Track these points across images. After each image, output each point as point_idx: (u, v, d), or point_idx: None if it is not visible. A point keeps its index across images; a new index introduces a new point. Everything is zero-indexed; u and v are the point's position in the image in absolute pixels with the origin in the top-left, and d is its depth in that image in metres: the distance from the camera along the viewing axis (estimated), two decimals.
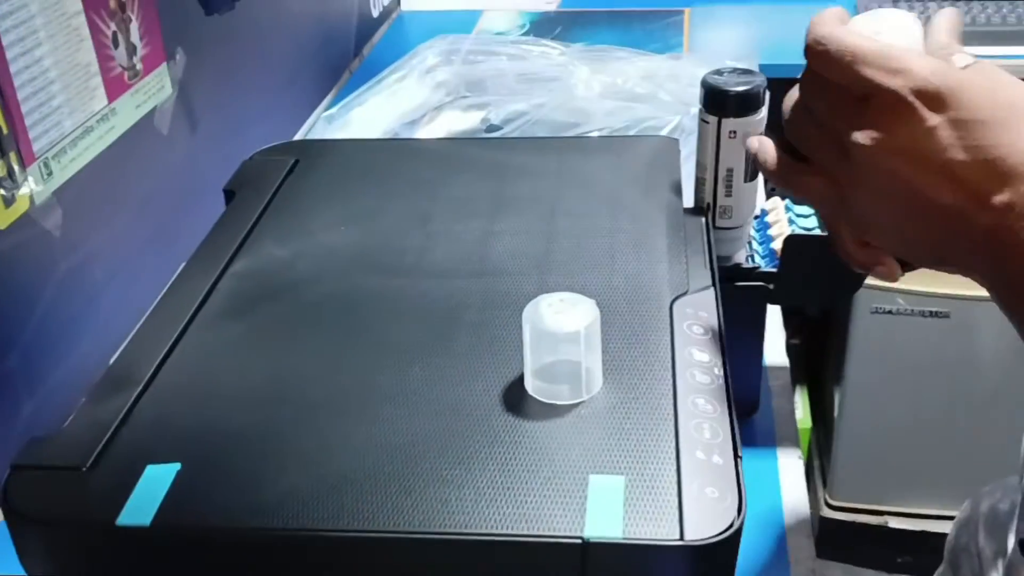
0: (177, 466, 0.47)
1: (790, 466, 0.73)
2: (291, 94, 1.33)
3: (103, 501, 0.45)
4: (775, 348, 0.86)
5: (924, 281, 1.56)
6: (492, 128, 1.14)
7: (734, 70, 0.65)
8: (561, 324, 0.48)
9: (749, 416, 0.77)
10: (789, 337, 1.89)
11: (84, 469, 0.47)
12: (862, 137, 0.45)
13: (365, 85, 1.20)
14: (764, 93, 0.64)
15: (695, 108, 1.15)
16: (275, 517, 0.44)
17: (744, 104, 0.64)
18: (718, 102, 0.64)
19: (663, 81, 1.19)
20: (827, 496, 1.84)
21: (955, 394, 1.64)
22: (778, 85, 0.60)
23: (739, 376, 0.71)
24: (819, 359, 1.95)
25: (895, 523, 1.80)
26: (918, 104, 0.43)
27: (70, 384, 0.83)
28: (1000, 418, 1.60)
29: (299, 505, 0.44)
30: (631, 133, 1.07)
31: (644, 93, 1.19)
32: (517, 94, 1.23)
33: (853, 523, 1.82)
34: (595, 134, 1.08)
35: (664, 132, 1.06)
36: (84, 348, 0.84)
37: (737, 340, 0.68)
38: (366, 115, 1.18)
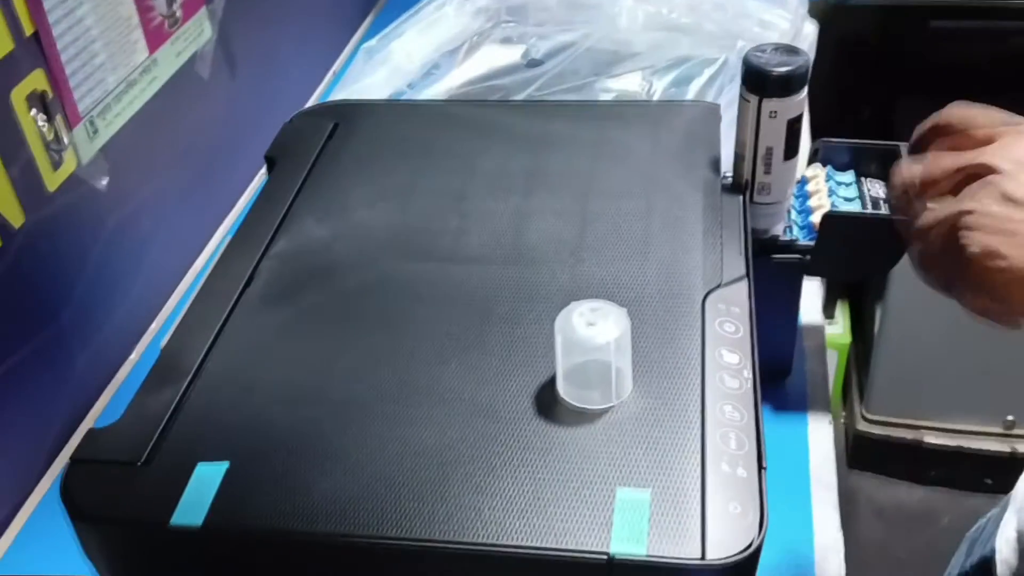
0: (226, 465, 0.49)
1: (820, 433, 0.75)
2: (328, 24, 1.32)
3: (157, 500, 0.48)
4: (812, 307, 0.86)
5: None
6: (533, 63, 1.12)
7: (777, 47, 0.64)
8: (592, 335, 0.49)
9: (782, 380, 0.78)
10: None
11: (139, 464, 0.50)
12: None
13: (404, 15, 1.18)
14: (807, 74, 0.63)
15: (741, 42, 1.12)
16: (318, 521, 0.47)
17: (786, 85, 0.62)
18: (759, 82, 0.63)
19: (708, 11, 1.15)
20: (863, 411, 1.85)
21: None
22: None
23: (773, 343, 0.72)
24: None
25: (931, 438, 1.82)
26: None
27: (121, 335, 0.87)
28: None
29: (340, 510, 0.47)
30: (675, 72, 1.05)
31: (689, 23, 1.16)
32: (558, 22, 1.20)
33: (888, 437, 1.84)
34: (638, 74, 1.06)
35: (709, 72, 1.03)
36: (132, 301, 0.87)
37: (772, 309, 0.69)
38: (405, 47, 1.16)
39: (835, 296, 1.93)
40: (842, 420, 1.95)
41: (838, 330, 1.90)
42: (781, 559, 0.66)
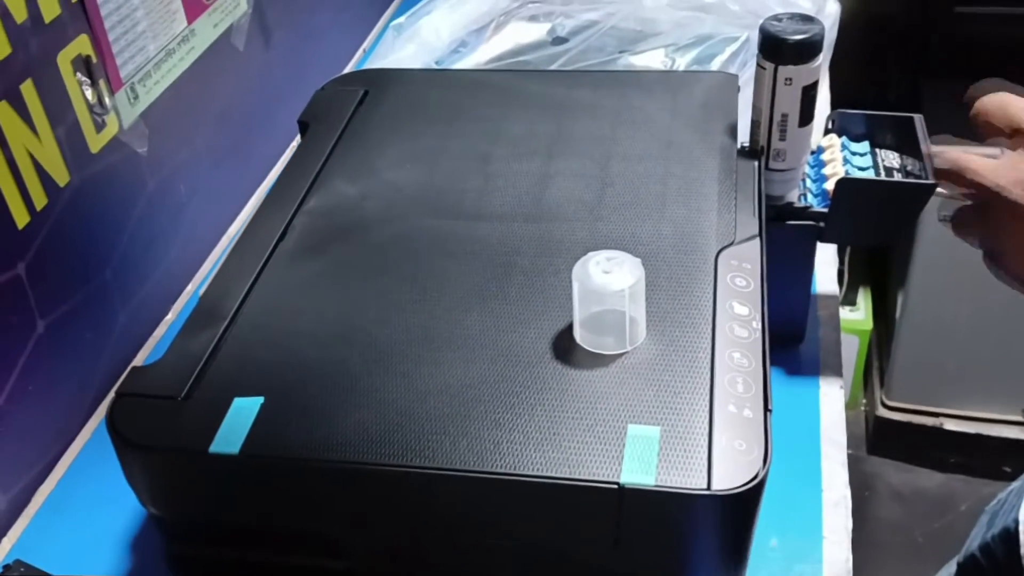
0: (261, 400, 0.53)
1: (831, 396, 0.77)
2: (360, 1, 1.35)
3: (197, 430, 0.51)
4: (827, 276, 0.88)
5: None
6: (558, 40, 1.15)
7: (793, 16, 0.66)
8: (608, 283, 0.52)
9: (796, 345, 0.80)
10: None
11: (179, 399, 0.53)
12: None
13: None
14: (822, 41, 0.65)
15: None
16: (347, 451, 0.50)
17: (801, 52, 0.65)
18: (775, 49, 0.65)
19: None
20: (883, 396, 1.87)
21: (1017, 301, 1.64)
22: None
23: (787, 309, 0.74)
24: (884, 262, 1.95)
25: (951, 425, 1.83)
26: None
27: (159, 294, 0.90)
28: None
29: (367, 441, 0.50)
30: (698, 49, 1.07)
31: (712, 3, 1.18)
32: (585, 2, 1.22)
33: (909, 423, 1.85)
34: (661, 50, 1.08)
35: (731, 50, 1.05)
36: (170, 260, 0.91)
37: (787, 276, 0.71)
38: (433, 24, 1.19)
39: (857, 282, 1.95)
40: (862, 406, 1.97)
41: (860, 316, 1.91)
42: (789, 514, 0.68)
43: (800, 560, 0.65)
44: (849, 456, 0.73)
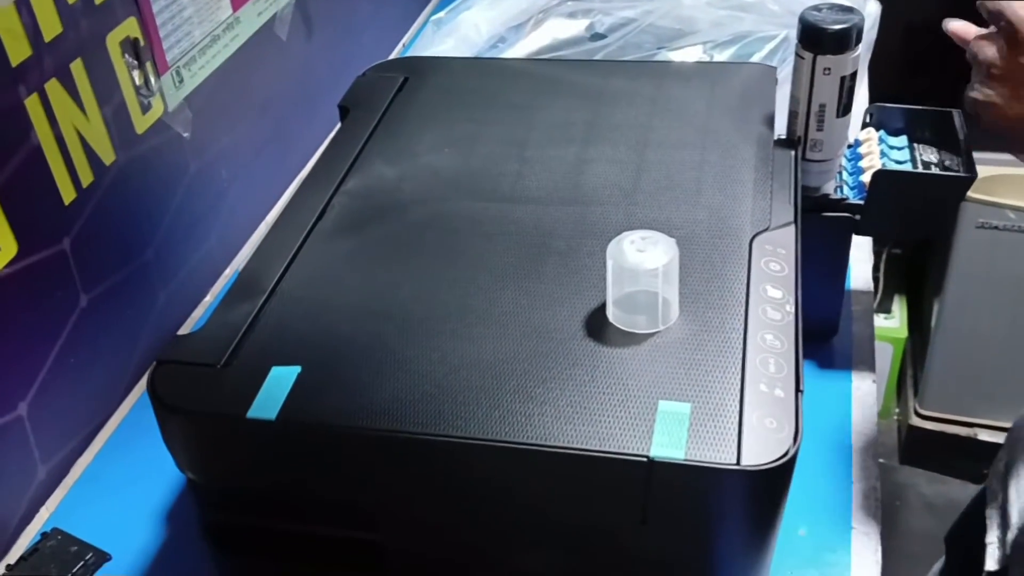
0: (298, 369, 0.54)
1: (863, 389, 0.76)
2: None
3: (235, 396, 0.52)
4: (861, 273, 0.88)
5: None
6: (597, 37, 1.15)
7: (832, 6, 0.66)
8: (642, 261, 0.52)
9: (829, 339, 0.80)
10: (892, 247, 1.87)
11: (219, 366, 0.54)
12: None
13: None
14: (861, 31, 0.65)
15: None
16: (382, 419, 0.50)
17: (840, 42, 0.65)
18: (814, 39, 0.65)
19: None
20: (917, 406, 1.85)
21: None
22: None
23: (821, 301, 0.74)
24: (921, 270, 1.93)
25: (984, 435, 1.81)
26: None
27: (198, 276, 0.92)
28: None
29: (401, 410, 0.51)
30: (736, 47, 1.07)
31: (752, 2, 1.18)
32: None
33: (942, 433, 1.83)
34: (699, 47, 1.08)
35: (769, 47, 1.05)
36: (210, 243, 0.92)
37: (821, 267, 0.71)
38: (473, 19, 1.20)
39: (892, 290, 1.93)
40: (895, 415, 1.95)
41: (895, 324, 1.90)
42: (820, 506, 0.68)
43: (828, 549, 0.65)
44: (881, 465, 0.73)
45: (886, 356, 1.88)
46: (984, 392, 1.77)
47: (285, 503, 0.56)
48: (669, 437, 0.48)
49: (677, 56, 1.08)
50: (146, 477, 0.74)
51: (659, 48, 1.11)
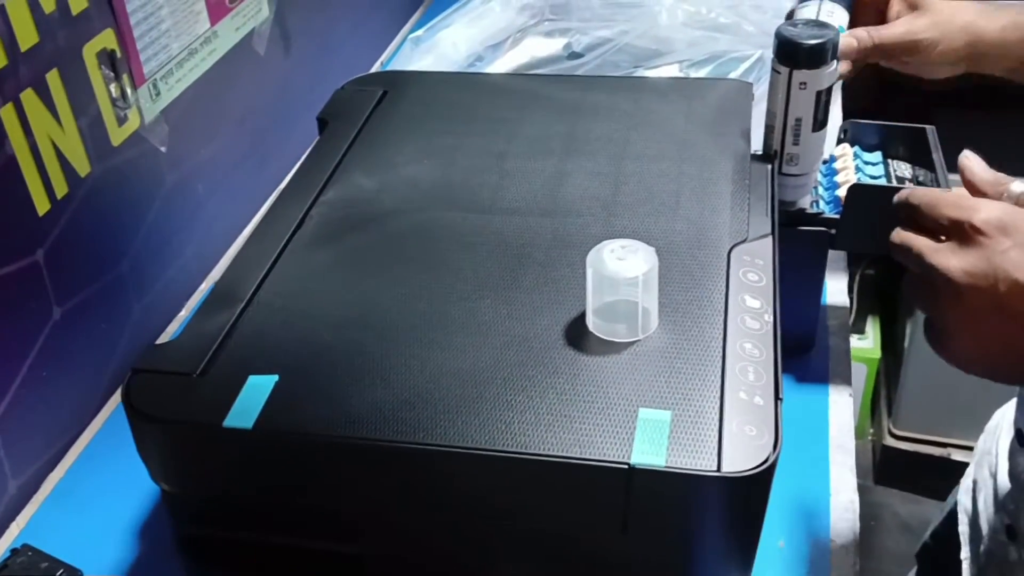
0: (275, 378, 0.53)
1: (841, 403, 0.77)
2: (379, 15, 1.37)
3: (212, 404, 0.52)
4: (837, 288, 0.88)
5: None
6: (574, 56, 1.16)
7: (808, 22, 0.67)
8: (621, 270, 0.52)
9: (805, 353, 0.80)
10: (865, 268, 1.88)
11: (195, 375, 0.54)
12: (951, 268, 0.49)
13: (451, 7, 1.23)
14: (836, 47, 0.66)
15: None
16: (360, 427, 0.50)
17: (815, 57, 0.66)
18: (790, 54, 0.66)
19: (747, 11, 1.19)
20: (891, 425, 1.86)
21: None
22: None
23: (798, 315, 0.75)
24: (893, 290, 1.95)
25: (958, 455, 1.82)
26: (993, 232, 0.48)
27: (173, 290, 0.91)
28: None
29: (379, 419, 0.50)
30: (712, 66, 1.08)
31: (727, 23, 1.19)
32: (601, 19, 1.24)
33: (916, 453, 1.84)
34: (675, 66, 1.09)
35: (744, 67, 1.07)
36: (186, 257, 0.92)
37: (798, 281, 0.72)
38: (451, 37, 1.20)
39: (866, 311, 1.95)
40: (870, 436, 1.96)
41: (868, 344, 1.91)
42: (798, 518, 0.68)
43: (807, 562, 0.65)
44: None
45: (860, 376, 1.89)
46: (957, 412, 1.79)
47: (262, 514, 0.55)
48: (649, 444, 0.48)
49: (653, 75, 1.09)
50: (119, 491, 0.73)
51: (635, 67, 1.12)
